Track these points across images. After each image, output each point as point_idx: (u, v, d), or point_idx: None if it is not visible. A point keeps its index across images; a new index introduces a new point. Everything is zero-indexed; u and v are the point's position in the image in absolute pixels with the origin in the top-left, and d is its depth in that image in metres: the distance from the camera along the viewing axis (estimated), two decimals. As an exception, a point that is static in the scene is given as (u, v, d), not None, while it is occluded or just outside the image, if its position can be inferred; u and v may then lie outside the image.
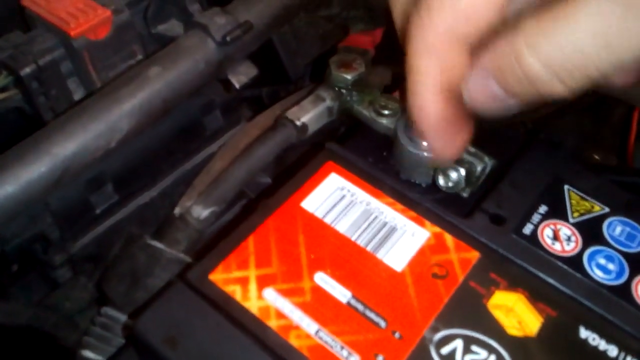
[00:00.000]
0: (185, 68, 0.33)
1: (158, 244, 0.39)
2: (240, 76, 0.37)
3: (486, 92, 0.28)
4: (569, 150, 0.63)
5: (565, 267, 0.34)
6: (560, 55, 0.24)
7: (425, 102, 0.30)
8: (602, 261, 0.34)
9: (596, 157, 0.64)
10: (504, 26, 0.27)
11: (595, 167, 0.51)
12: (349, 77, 0.43)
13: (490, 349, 0.31)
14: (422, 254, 0.35)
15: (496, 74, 0.27)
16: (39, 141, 0.30)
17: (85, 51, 0.36)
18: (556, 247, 0.35)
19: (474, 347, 0.31)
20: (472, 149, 0.38)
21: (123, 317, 0.38)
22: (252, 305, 0.33)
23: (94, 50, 0.36)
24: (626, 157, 0.56)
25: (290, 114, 0.43)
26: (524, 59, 0.25)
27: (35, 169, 0.30)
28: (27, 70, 0.35)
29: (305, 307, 0.32)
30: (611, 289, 0.33)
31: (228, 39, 0.34)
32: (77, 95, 0.37)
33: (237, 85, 0.37)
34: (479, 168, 0.37)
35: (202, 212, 0.40)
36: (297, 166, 0.40)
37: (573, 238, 0.35)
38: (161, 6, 0.38)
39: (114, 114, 0.31)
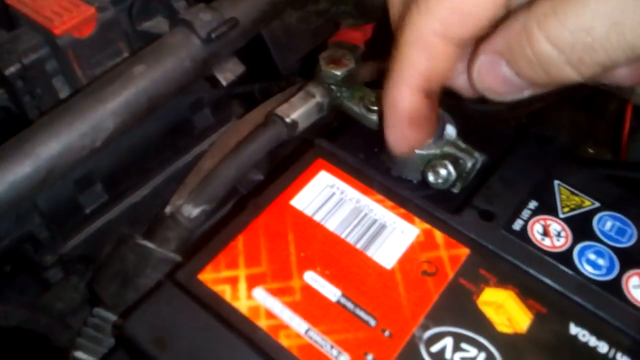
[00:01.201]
0: (171, 66, 0.33)
1: (148, 244, 0.39)
2: (227, 73, 0.36)
3: (497, 75, 0.27)
4: (564, 144, 0.63)
5: (555, 262, 0.34)
6: (570, 38, 0.24)
7: (401, 94, 0.30)
8: (592, 256, 0.34)
9: (591, 151, 0.64)
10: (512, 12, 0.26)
11: (588, 161, 0.51)
12: (338, 73, 0.42)
13: (480, 347, 0.30)
14: (411, 251, 0.34)
15: (507, 55, 0.26)
16: (23, 141, 0.30)
17: (70, 49, 0.35)
18: (546, 243, 0.34)
19: (463, 345, 0.31)
20: (463, 145, 0.38)
21: (115, 318, 0.38)
22: (242, 305, 0.32)
23: (79, 48, 0.36)
24: (620, 151, 0.56)
25: (280, 111, 0.42)
26: (535, 39, 0.25)
27: (19, 170, 0.29)
28: (12, 69, 0.35)
29: (295, 307, 0.32)
30: (601, 284, 0.33)
31: (213, 35, 0.33)
32: (63, 93, 0.37)
33: (223, 83, 0.36)
34: (469, 164, 0.37)
35: (192, 210, 0.40)
36: (287, 163, 0.40)
37: (563, 233, 0.35)
38: (146, 3, 0.38)
39: (99, 112, 0.31)
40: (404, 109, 0.30)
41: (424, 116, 0.31)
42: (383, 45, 0.60)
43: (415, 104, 0.30)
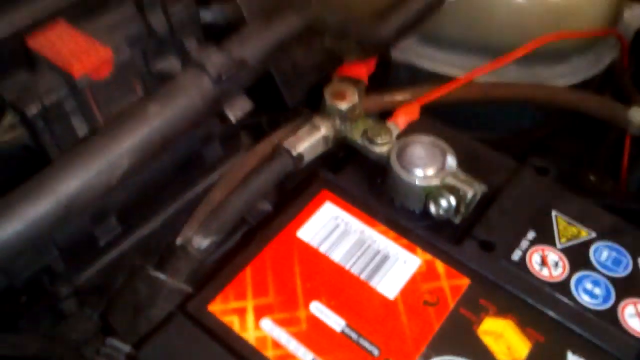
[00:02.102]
0: (183, 105, 0.35)
1: (160, 275, 0.40)
2: (236, 110, 0.38)
3: None
4: (564, 173, 0.64)
5: (553, 292, 0.35)
6: None
7: None
8: (589, 286, 0.35)
9: (592, 178, 0.64)
10: None
11: (586, 191, 0.52)
12: (342, 107, 0.44)
13: (481, 375, 0.31)
14: (413, 281, 0.36)
15: None
16: (43, 180, 0.31)
17: (88, 90, 0.37)
18: (544, 273, 0.35)
19: (464, 374, 0.32)
20: (463, 175, 0.39)
21: (127, 348, 0.39)
22: (250, 335, 0.34)
23: (97, 88, 0.37)
24: (620, 180, 0.57)
25: (287, 144, 0.44)
26: None
27: (40, 208, 0.31)
28: (33, 110, 0.36)
29: (301, 337, 0.33)
30: (598, 313, 0.34)
31: (224, 77, 0.35)
32: (81, 131, 0.39)
33: (233, 120, 0.38)
34: (469, 194, 0.38)
35: (202, 242, 0.41)
36: (293, 194, 0.41)
37: (560, 263, 0.36)
38: (159, 44, 0.40)
39: (115, 151, 0.32)
40: None
41: None
42: (384, 77, 0.61)
43: None
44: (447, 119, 0.46)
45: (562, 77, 0.58)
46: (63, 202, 0.31)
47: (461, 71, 0.54)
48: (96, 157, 0.32)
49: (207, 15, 0.45)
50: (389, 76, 0.64)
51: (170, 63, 0.41)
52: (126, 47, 0.38)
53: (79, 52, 0.37)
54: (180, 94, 0.35)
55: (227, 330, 0.34)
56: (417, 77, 0.61)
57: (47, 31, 0.38)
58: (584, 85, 0.58)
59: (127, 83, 0.39)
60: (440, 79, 0.53)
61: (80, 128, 0.38)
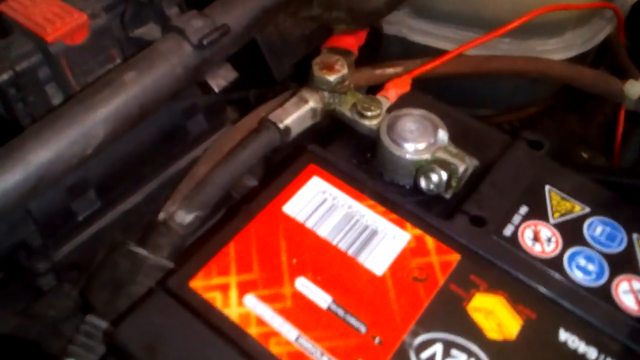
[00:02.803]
0: (162, 72, 0.33)
1: (141, 251, 0.39)
2: (219, 79, 0.36)
3: None
4: (556, 149, 0.63)
5: (545, 268, 0.34)
6: None
7: None
8: (582, 262, 0.34)
9: (584, 155, 0.64)
10: None
11: (580, 166, 0.51)
12: (331, 78, 0.42)
13: (470, 353, 0.31)
14: (402, 257, 0.34)
15: None
16: (14, 149, 0.30)
17: (62, 56, 0.35)
18: (536, 249, 0.34)
19: (453, 351, 0.31)
20: (454, 150, 0.38)
21: (106, 325, 0.38)
22: (233, 312, 0.32)
23: (72, 55, 0.36)
24: (613, 155, 0.56)
25: (273, 116, 0.42)
26: None
27: (10, 177, 0.29)
28: (4, 76, 0.35)
29: (285, 313, 0.32)
30: (591, 290, 0.33)
31: (205, 42, 0.34)
32: (56, 100, 0.37)
33: (216, 89, 0.36)
34: (460, 169, 0.37)
35: (185, 217, 0.40)
36: (280, 169, 0.40)
37: (553, 239, 0.35)
38: (138, 10, 0.38)
39: (89, 120, 0.31)
40: None
41: None
42: (376, 51, 0.60)
43: None
44: (439, 95, 0.45)
45: (557, 50, 0.56)
46: (35, 173, 0.30)
47: (454, 45, 0.53)
48: (70, 126, 0.31)
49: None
50: (380, 50, 0.62)
51: (150, 29, 0.39)
52: (102, 12, 0.36)
53: (52, 16, 0.36)
54: (159, 61, 0.33)
55: (209, 306, 0.33)
56: (410, 51, 0.60)
57: (20, -5, 0.37)
58: (579, 59, 0.57)
59: (104, 50, 0.37)
60: (433, 53, 0.51)
61: (55, 96, 0.36)
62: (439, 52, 0.51)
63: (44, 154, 0.30)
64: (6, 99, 0.35)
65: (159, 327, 0.32)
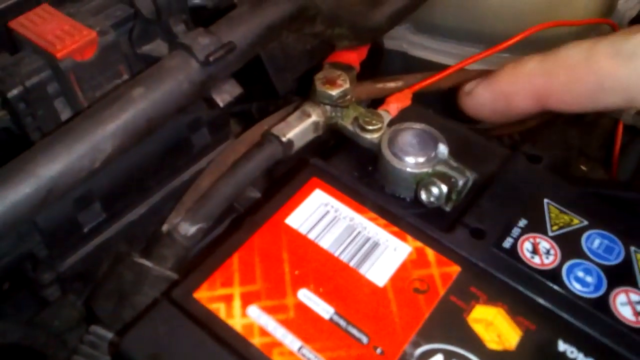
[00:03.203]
0: (169, 88, 0.34)
1: (145, 262, 0.39)
2: (224, 95, 0.37)
3: None
4: (556, 161, 0.64)
5: (544, 280, 0.34)
6: None
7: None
8: (581, 274, 0.34)
9: (583, 168, 0.64)
10: None
11: (578, 180, 0.52)
12: (333, 93, 0.43)
13: (470, 363, 0.31)
14: (403, 269, 0.35)
15: None
16: (24, 162, 0.31)
17: (71, 72, 0.36)
18: (535, 261, 0.35)
19: (454, 362, 0.31)
20: (454, 163, 0.39)
21: (110, 335, 0.38)
22: (236, 322, 0.33)
23: (80, 71, 0.36)
24: (611, 168, 0.57)
25: (276, 130, 0.43)
26: None
27: (20, 190, 0.30)
28: (14, 92, 0.35)
29: (288, 324, 0.33)
30: (589, 302, 0.33)
31: (211, 59, 0.34)
32: (64, 115, 0.38)
33: (221, 104, 0.37)
34: (460, 182, 0.38)
35: (189, 229, 0.40)
36: (282, 181, 0.41)
37: (552, 251, 0.35)
38: (146, 27, 0.39)
39: (98, 135, 0.32)
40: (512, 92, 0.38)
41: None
42: (377, 66, 0.61)
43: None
44: (440, 110, 0.46)
45: (555, 66, 0.57)
46: (44, 186, 0.30)
47: (455, 60, 0.54)
48: (79, 140, 0.31)
49: (196, -3, 0.45)
50: (382, 65, 0.63)
51: (157, 46, 0.40)
52: (111, 29, 0.37)
53: (62, 34, 0.36)
54: (167, 77, 0.34)
55: (213, 317, 0.33)
56: (411, 66, 0.61)
57: (30, 13, 0.38)
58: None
59: (112, 66, 0.38)
60: (434, 68, 0.52)
61: (63, 111, 0.37)
62: (440, 67, 0.52)
63: (53, 167, 0.30)
64: (16, 113, 0.36)
65: (164, 338, 0.33)
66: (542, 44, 0.57)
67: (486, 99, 0.40)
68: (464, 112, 0.42)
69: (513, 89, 0.39)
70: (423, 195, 0.38)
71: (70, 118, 0.37)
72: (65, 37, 0.35)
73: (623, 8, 0.60)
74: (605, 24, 0.58)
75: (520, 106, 0.39)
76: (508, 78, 0.39)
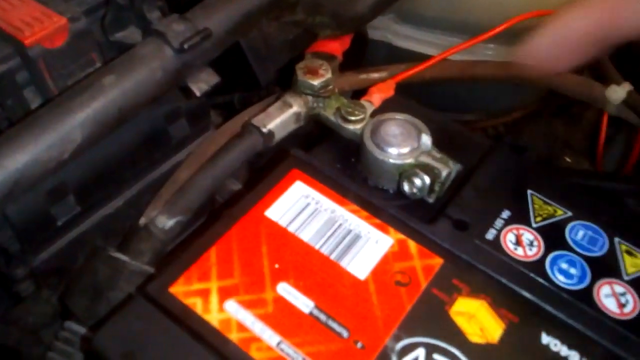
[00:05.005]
0: (142, 76, 0.33)
1: (121, 256, 0.38)
2: (201, 84, 0.36)
3: None
4: (541, 153, 0.63)
5: (527, 272, 0.34)
6: None
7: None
8: (565, 266, 0.34)
9: (568, 160, 0.64)
10: None
11: (562, 170, 0.52)
12: (315, 83, 0.42)
13: (452, 357, 0.30)
14: (385, 261, 0.34)
15: None
16: (-12, 153, 0.30)
17: (41, 60, 0.35)
18: (519, 252, 0.34)
19: (435, 356, 0.30)
20: (438, 154, 0.38)
21: (83, 330, 0.37)
22: (213, 317, 0.32)
23: (50, 58, 0.35)
24: (596, 160, 0.56)
25: (257, 120, 0.42)
26: None
27: None
28: (-19, 80, 0.34)
29: (267, 319, 0.32)
30: (573, 293, 0.33)
31: (186, 46, 0.33)
32: (35, 104, 0.36)
33: (197, 93, 0.36)
34: (444, 173, 0.37)
35: (166, 222, 0.39)
36: (262, 173, 0.40)
37: (535, 243, 0.35)
38: (119, 14, 0.38)
39: (67, 124, 0.30)
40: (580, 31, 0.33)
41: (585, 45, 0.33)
42: (361, 57, 0.60)
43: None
44: (424, 101, 0.45)
45: (540, 56, 0.57)
46: (10, 177, 0.29)
47: (439, 50, 0.53)
48: (46, 130, 0.30)
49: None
50: (365, 55, 0.62)
51: (131, 33, 0.39)
52: (82, 15, 0.36)
53: (31, 20, 0.35)
54: (139, 64, 0.33)
55: (189, 312, 0.32)
56: (395, 57, 0.60)
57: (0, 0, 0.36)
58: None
59: (84, 54, 0.37)
60: (418, 58, 0.51)
61: (34, 100, 0.36)
62: (424, 58, 0.51)
63: (20, 158, 0.29)
64: (-17, 102, 0.35)
65: (138, 333, 0.32)
66: (525, 33, 0.57)
67: (550, 45, 0.35)
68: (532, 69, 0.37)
69: (577, 26, 0.34)
70: (406, 187, 0.37)
71: (38, 107, 0.35)
72: (35, 23, 0.34)
73: (608, -2, 0.60)
74: (590, 14, 0.57)
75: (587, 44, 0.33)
76: (570, 17, 0.34)
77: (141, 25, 0.39)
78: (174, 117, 0.45)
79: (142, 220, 0.41)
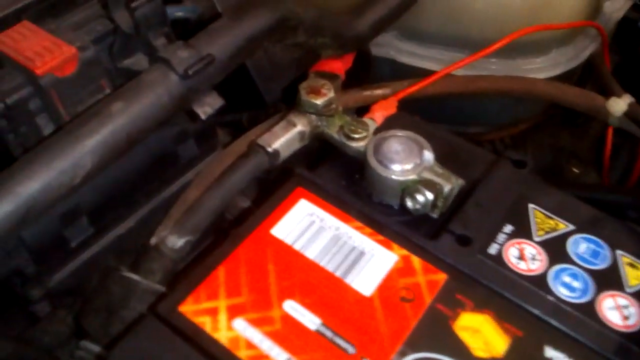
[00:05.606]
0: (148, 102, 0.34)
1: (133, 276, 0.39)
2: (206, 107, 0.37)
3: None
4: (549, 164, 0.64)
5: (530, 286, 0.34)
6: None
7: None
8: (567, 279, 0.34)
9: (575, 170, 0.64)
10: None
11: (563, 184, 0.52)
12: (318, 102, 0.43)
13: (457, 372, 0.31)
14: (390, 277, 0.35)
15: None
16: (3, 180, 0.31)
17: (52, 88, 0.36)
18: (521, 267, 0.35)
19: (440, 371, 0.31)
20: (440, 170, 0.39)
21: (97, 349, 0.38)
22: (222, 335, 0.33)
23: (61, 86, 0.36)
24: (602, 171, 0.56)
25: (262, 140, 0.43)
26: None
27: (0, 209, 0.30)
28: (-5, 109, 0.35)
29: (275, 336, 0.33)
30: (576, 307, 0.33)
31: (190, 72, 0.34)
32: (47, 131, 0.38)
33: (202, 117, 0.37)
34: (446, 189, 0.38)
35: (176, 241, 0.40)
36: (268, 192, 0.41)
37: (538, 257, 0.35)
38: (126, 41, 0.39)
39: (77, 151, 0.32)
40: None
41: None
42: (366, 74, 0.61)
43: None
44: (427, 116, 0.46)
45: (543, 69, 0.57)
46: (23, 204, 0.30)
47: (442, 66, 0.54)
48: (57, 157, 0.31)
49: (178, 11, 0.45)
50: (370, 72, 0.63)
51: (138, 60, 0.40)
52: (91, 44, 0.37)
53: (42, 50, 0.36)
54: (146, 91, 0.34)
55: (199, 330, 0.33)
56: (400, 73, 0.61)
57: (10, 31, 0.38)
58: (565, 77, 0.58)
59: (93, 81, 0.38)
60: (421, 74, 0.52)
61: (46, 127, 0.37)
62: (428, 73, 0.52)
63: (32, 185, 0.30)
64: (-2, 130, 0.36)
65: (150, 352, 0.32)
66: (527, 47, 0.57)
67: None
68: None
69: None
70: (409, 203, 0.38)
71: (51, 133, 0.37)
72: (45, 53, 0.35)
73: (609, 10, 0.60)
74: (590, 26, 0.58)
75: None
76: None
77: (147, 52, 0.40)
78: (182, 138, 0.46)
79: (153, 240, 0.42)
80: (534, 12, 0.55)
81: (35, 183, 0.30)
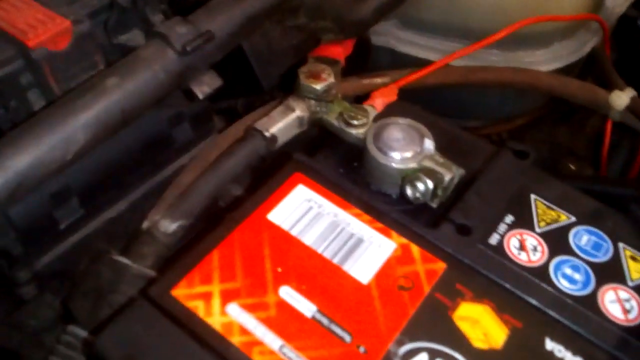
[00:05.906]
0: (144, 78, 0.33)
1: (123, 260, 0.38)
2: (204, 87, 0.36)
3: None
4: (544, 160, 0.63)
5: (531, 277, 0.33)
6: None
7: None
8: (568, 271, 0.34)
9: (572, 166, 0.64)
10: None
11: (565, 176, 0.51)
12: (318, 87, 0.42)
13: (455, 362, 0.30)
14: (388, 265, 0.34)
15: None
16: (-8, 155, 0.30)
17: (44, 62, 0.35)
18: (522, 257, 0.34)
19: (438, 361, 0.30)
20: (441, 159, 0.38)
21: (84, 333, 0.37)
22: (215, 321, 0.32)
23: (54, 61, 0.35)
24: (600, 167, 0.56)
25: (259, 125, 0.42)
26: None
27: None
28: (-17, 83, 0.34)
29: (269, 322, 0.32)
30: (577, 299, 0.33)
31: (188, 48, 0.33)
32: (38, 106, 0.36)
33: (200, 96, 0.36)
34: (447, 178, 0.37)
35: (169, 226, 0.39)
36: (265, 177, 0.40)
37: (539, 248, 0.35)
38: (122, 16, 0.38)
39: (69, 125, 0.30)
40: None
41: None
42: (365, 62, 0.60)
43: None
44: (427, 107, 0.45)
45: (544, 62, 0.57)
46: (13, 178, 0.29)
47: (442, 56, 0.53)
48: (49, 131, 0.30)
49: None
50: (369, 61, 0.62)
51: (134, 35, 0.39)
52: (86, 18, 0.36)
53: (35, 22, 0.35)
54: (142, 67, 0.33)
55: (191, 315, 0.32)
56: (399, 62, 0.60)
57: (3, 2, 0.36)
58: (566, 71, 0.57)
59: (87, 56, 0.37)
60: (421, 64, 0.51)
61: (37, 102, 0.36)
62: (427, 63, 0.51)
63: (22, 159, 0.29)
64: (-14, 104, 0.35)
65: (140, 337, 0.31)
66: (529, 39, 0.57)
67: None
68: None
69: None
70: (409, 191, 0.37)
71: (41, 109, 0.36)
72: (38, 25, 0.34)
73: (611, 4, 0.60)
74: (592, 20, 0.57)
75: None
76: None
77: (144, 27, 0.39)
78: (177, 121, 0.45)
79: (145, 224, 0.41)
80: (536, 3, 0.54)
81: (25, 157, 0.29)
